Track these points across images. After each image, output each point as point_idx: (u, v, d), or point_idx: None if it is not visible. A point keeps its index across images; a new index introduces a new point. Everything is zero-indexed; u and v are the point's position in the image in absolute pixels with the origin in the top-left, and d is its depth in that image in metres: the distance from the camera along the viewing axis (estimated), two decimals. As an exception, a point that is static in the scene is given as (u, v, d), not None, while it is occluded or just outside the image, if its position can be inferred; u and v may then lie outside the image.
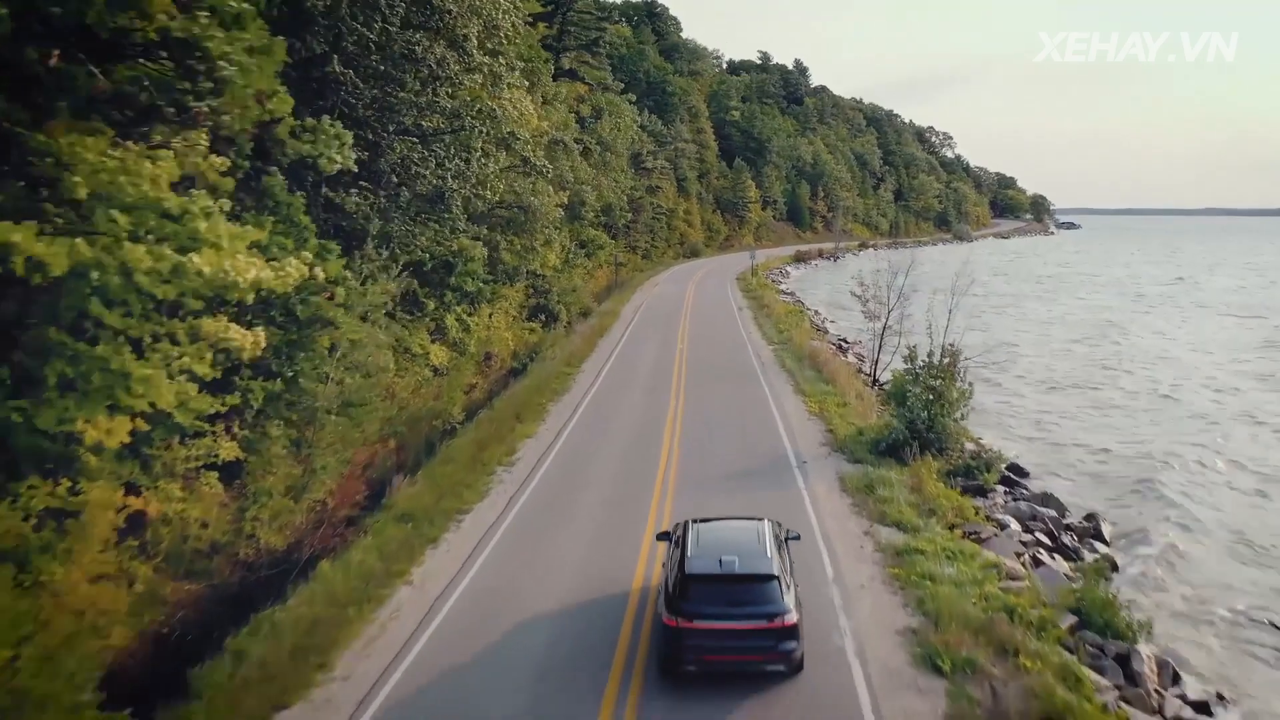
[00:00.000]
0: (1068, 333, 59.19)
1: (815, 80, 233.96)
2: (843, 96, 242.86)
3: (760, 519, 13.27)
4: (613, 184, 69.41)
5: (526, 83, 39.87)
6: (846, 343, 44.74)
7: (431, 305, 29.53)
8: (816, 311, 60.57)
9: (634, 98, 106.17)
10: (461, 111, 27.62)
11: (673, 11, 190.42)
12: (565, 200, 44.63)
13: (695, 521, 13.10)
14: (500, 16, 28.60)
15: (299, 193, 19.38)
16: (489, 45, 29.53)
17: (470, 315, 34.11)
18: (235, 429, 16.96)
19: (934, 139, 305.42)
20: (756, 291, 65.57)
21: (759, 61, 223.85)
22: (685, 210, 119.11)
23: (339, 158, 18.38)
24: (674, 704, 11.18)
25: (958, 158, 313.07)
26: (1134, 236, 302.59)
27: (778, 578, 11.41)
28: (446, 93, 26.03)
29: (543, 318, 46.27)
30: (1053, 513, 21.22)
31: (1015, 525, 19.34)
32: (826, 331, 49.58)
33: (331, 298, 18.31)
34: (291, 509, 17.70)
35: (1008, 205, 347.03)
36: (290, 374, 17.78)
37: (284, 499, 17.62)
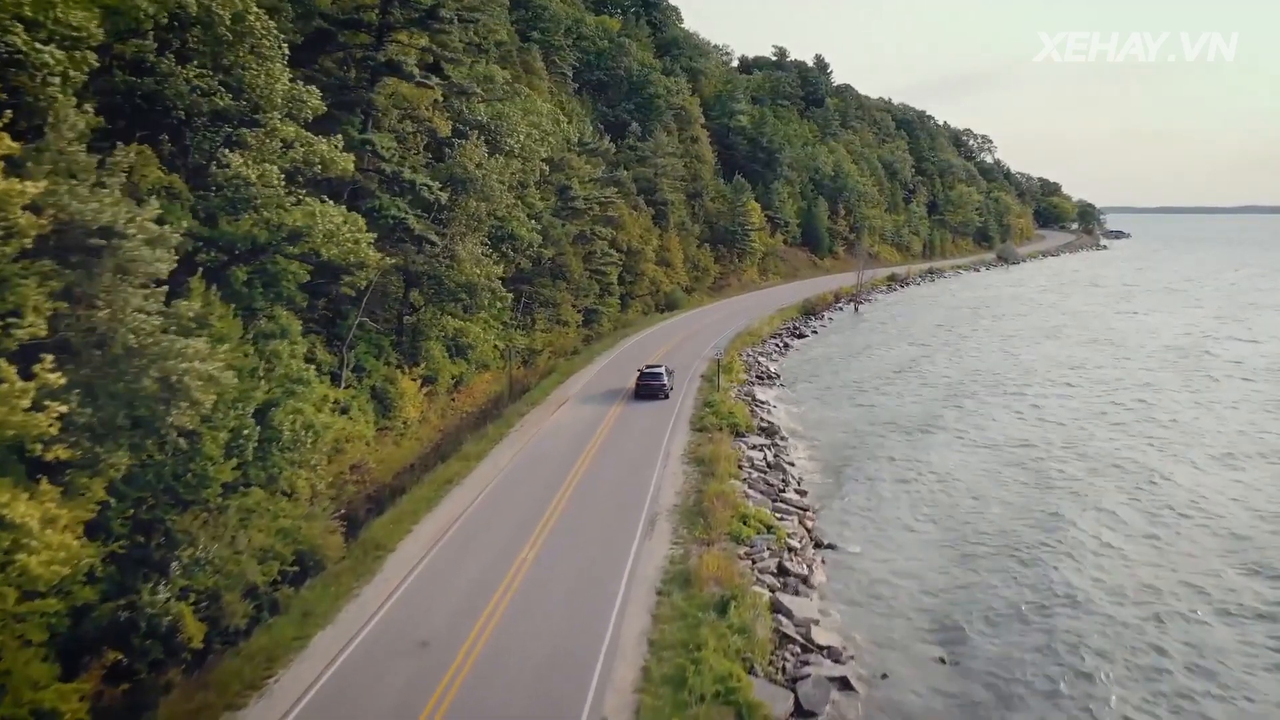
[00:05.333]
0: None
1: (837, 79, 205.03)
2: (869, 97, 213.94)
3: (663, 365, 49.06)
4: (475, 250, 41.98)
5: None
6: None
7: None
8: (817, 543, 31.41)
9: (560, 100, 78.88)
10: None
11: (673, 2, 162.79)
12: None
13: (644, 366, 48.72)
14: None
15: None
16: None
17: None
18: None
19: (971, 143, 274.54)
20: (711, 440, 38.10)
21: (774, 58, 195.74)
22: (660, 248, 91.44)
23: None
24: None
25: (997, 163, 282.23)
26: (1200, 247, 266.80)
27: (664, 374, 47.16)
28: None
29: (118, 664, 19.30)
30: None
31: None
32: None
33: None
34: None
35: (1052, 214, 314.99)
36: None
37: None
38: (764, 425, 43.20)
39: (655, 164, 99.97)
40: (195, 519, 21.97)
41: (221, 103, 29.64)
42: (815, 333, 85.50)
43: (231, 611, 21.56)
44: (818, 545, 29.14)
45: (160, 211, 18.90)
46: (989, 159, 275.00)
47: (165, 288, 19.46)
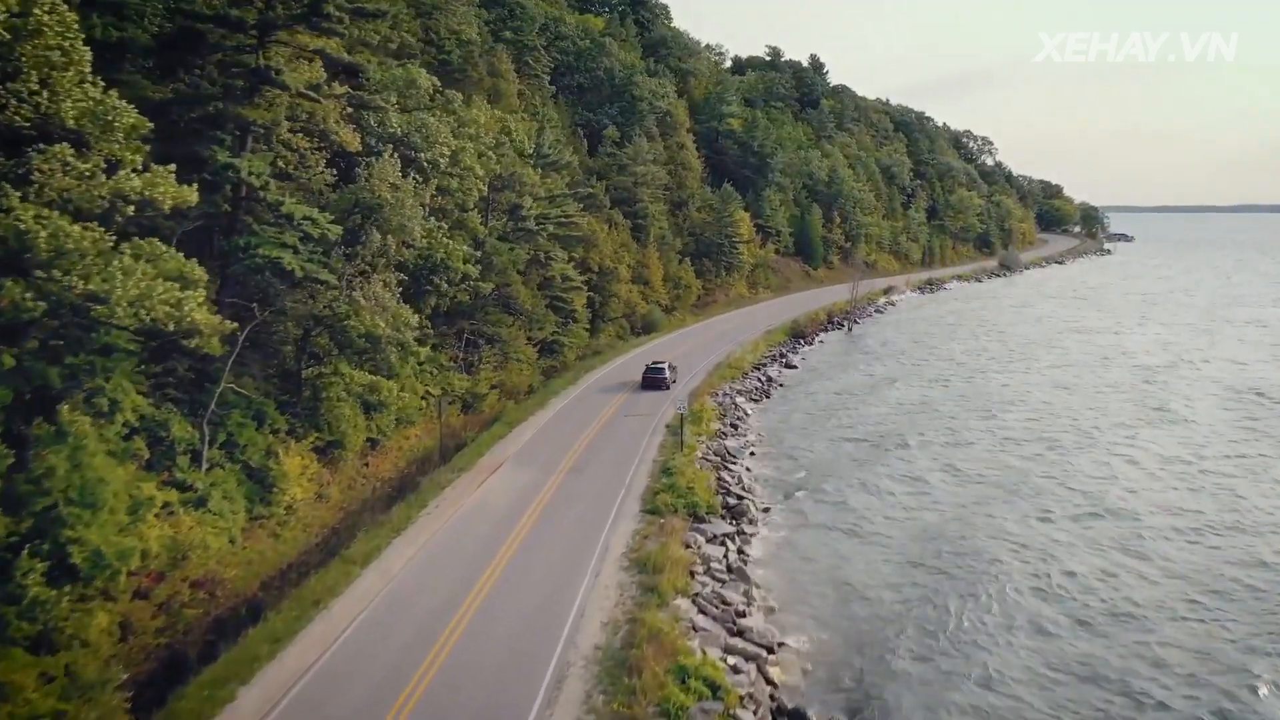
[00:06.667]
0: None
1: (834, 79, 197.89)
2: (866, 98, 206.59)
3: (665, 361, 56.70)
4: (380, 294, 34.83)
5: None
6: None
7: None
8: (779, 707, 21.75)
9: (533, 105, 71.17)
10: None
11: (664, 0, 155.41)
12: None
13: (650, 363, 56.40)
14: None
15: None
16: None
17: None
18: None
19: (972, 145, 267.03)
20: (662, 530, 31.05)
21: (768, 58, 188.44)
22: (637, 263, 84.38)
23: None
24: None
25: (998, 165, 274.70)
26: (1201, 249, 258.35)
27: (666, 369, 54.87)
28: None
29: None
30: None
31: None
32: None
33: None
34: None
35: (1054, 217, 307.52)
36: None
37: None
38: (731, 502, 36.01)
39: (634, 172, 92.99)
40: None
41: (18, 119, 22.81)
42: (804, 358, 78.45)
43: None
44: (779, 713, 21.95)
45: None
46: (990, 161, 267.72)
47: None
